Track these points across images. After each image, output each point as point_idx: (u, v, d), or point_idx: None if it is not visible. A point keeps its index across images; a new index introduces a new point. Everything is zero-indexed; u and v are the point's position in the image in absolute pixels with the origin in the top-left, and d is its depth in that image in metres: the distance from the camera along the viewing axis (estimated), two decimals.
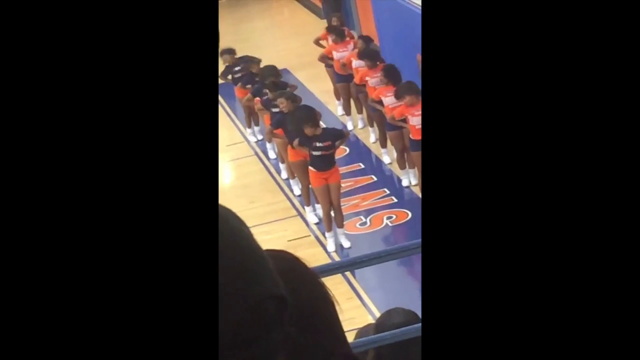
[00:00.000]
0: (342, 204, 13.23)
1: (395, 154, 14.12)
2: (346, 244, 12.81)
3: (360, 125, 16.10)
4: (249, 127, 16.55)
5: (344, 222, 13.05)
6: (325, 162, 12.71)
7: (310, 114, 12.99)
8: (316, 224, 13.52)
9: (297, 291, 1.12)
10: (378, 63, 14.63)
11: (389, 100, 13.67)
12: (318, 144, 12.64)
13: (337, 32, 16.15)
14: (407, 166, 13.82)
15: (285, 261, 1.14)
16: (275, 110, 14.21)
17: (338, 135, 13.02)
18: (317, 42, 16.96)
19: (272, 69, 15.23)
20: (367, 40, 15.76)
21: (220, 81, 16.00)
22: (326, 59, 16.30)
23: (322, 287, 1.17)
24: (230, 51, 16.34)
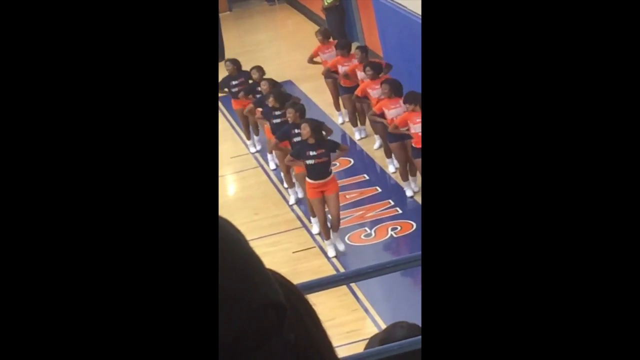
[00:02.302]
0: (347, 215, 13.26)
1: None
2: (340, 247, 12.87)
3: (363, 135, 16.12)
4: (249, 138, 16.59)
5: (349, 234, 13.08)
6: (320, 172, 12.81)
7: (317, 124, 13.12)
8: (317, 234, 13.54)
9: (290, 301, 1.12)
10: (380, 75, 14.70)
11: (393, 112, 13.72)
12: (311, 153, 12.75)
13: (343, 46, 16.23)
14: (410, 177, 13.86)
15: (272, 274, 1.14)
16: (276, 121, 14.27)
17: (332, 145, 13.08)
18: (311, 60, 17.06)
19: (272, 81, 15.29)
20: (364, 50, 15.84)
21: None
22: (330, 73, 16.37)
23: (307, 300, 1.17)
24: (235, 62, 16.39)
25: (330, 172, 12.98)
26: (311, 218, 13.68)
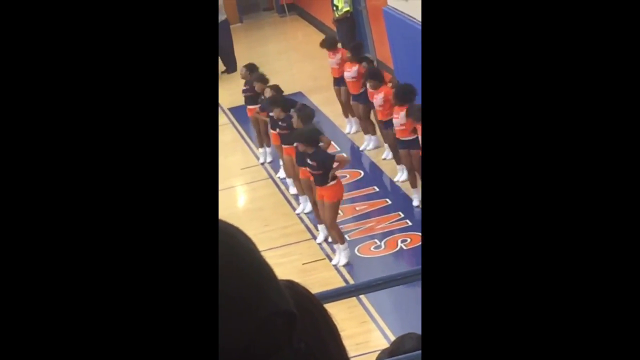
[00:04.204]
0: (356, 227, 13.26)
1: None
2: (343, 260, 12.90)
3: (371, 146, 16.13)
4: (261, 146, 16.63)
5: (359, 246, 13.09)
6: (317, 180, 12.91)
7: (311, 134, 13.09)
8: (323, 241, 13.58)
9: (303, 308, 1.12)
10: (380, 84, 14.79)
11: (397, 121, 13.74)
12: (309, 162, 12.82)
13: (354, 52, 16.28)
14: (418, 185, 13.88)
15: (285, 283, 1.14)
16: (282, 132, 14.35)
17: (329, 158, 13.07)
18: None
19: (277, 88, 15.38)
20: (370, 61, 16.00)
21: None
22: (339, 81, 16.47)
23: (325, 310, 1.17)
24: (250, 67, 16.46)
25: (327, 182, 12.97)
26: (318, 225, 13.70)
